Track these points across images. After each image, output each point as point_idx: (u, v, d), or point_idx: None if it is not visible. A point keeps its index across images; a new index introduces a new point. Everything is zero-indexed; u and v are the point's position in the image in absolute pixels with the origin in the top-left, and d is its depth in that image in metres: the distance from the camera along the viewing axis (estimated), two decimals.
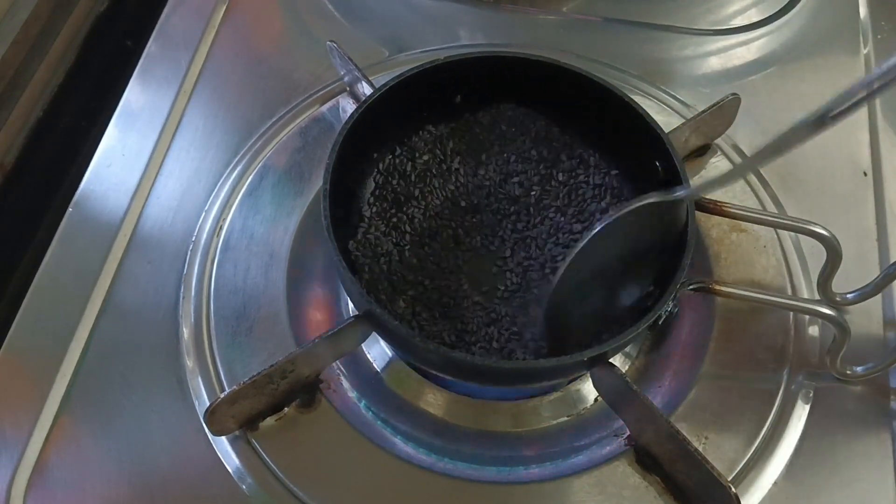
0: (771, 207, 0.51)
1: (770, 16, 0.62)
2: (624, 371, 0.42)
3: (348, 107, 0.55)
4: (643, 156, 0.45)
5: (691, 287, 0.42)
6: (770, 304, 0.43)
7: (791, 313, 0.47)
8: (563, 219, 0.47)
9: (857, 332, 0.44)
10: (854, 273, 0.47)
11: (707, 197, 0.45)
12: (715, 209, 0.45)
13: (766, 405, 0.44)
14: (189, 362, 0.45)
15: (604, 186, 0.48)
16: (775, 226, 0.47)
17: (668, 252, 0.43)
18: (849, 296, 0.46)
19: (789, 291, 0.48)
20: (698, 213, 0.44)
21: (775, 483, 0.42)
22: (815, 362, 0.45)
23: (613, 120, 0.47)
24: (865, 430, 0.43)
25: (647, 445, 0.42)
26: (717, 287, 0.43)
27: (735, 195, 0.52)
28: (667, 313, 0.42)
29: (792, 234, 0.50)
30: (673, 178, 0.43)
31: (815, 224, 0.43)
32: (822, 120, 0.32)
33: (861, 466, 0.43)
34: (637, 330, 0.38)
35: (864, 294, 0.46)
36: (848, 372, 0.44)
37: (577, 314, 0.43)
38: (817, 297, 0.47)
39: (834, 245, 0.43)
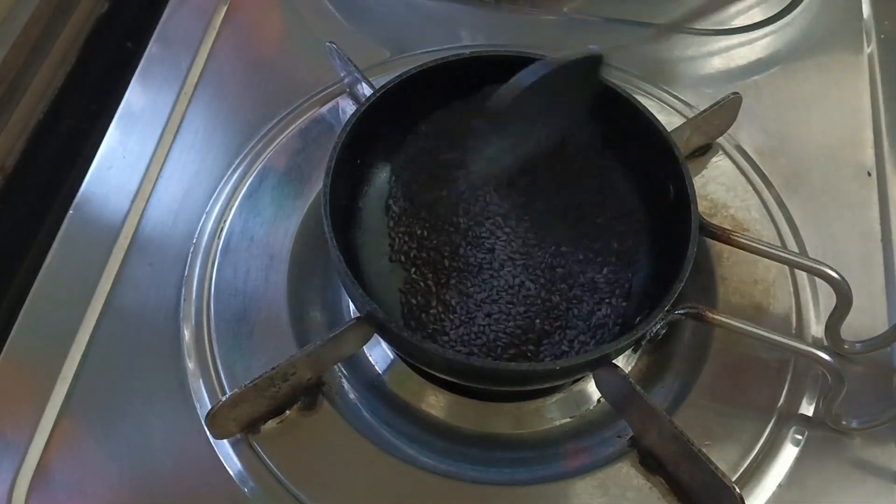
0: (774, 209, 0.51)
1: (773, 15, 0.62)
2: (626, 372, 0.41)
3: (348, 108, 0.55)
4: (653, 164, 0.45)
5: (681, 312, 0.41)
6: (766, 340, 0.41)
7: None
8: (568, 219, 0.47)
9: (862, 380, 0.43)
10: (858, 275, 0.47)
11: (715, 223, 0.44)
12: (723, 237, 0.44)
13: (769, 405, 0.44)
14: (190, 365, 0.45)
15: (612, 185, 0.48)
16: (786, 263, 0.45)
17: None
18: (857, 345, 0.45)
19: (794, 324, 0.47)
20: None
21: (780, 485, 0.42)
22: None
23: (622, 125, 0.46)
24: (871, 429, 0.43)
25: (651, 446, 0.41)
26: (711, 315, 0.41)
27: (738, 195, 0.52)
28: (651, 335, 0.42)
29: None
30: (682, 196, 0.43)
31: (828, 267, 0.42)
32: None
33: (867, 464, 0.42)
34: (635, 335, 0.38)
35: (873, 346, 0.45)
36: (843, 423, 0.42)
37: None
38: (823, 337, 0.46)
39: (845, 290, 0.42)
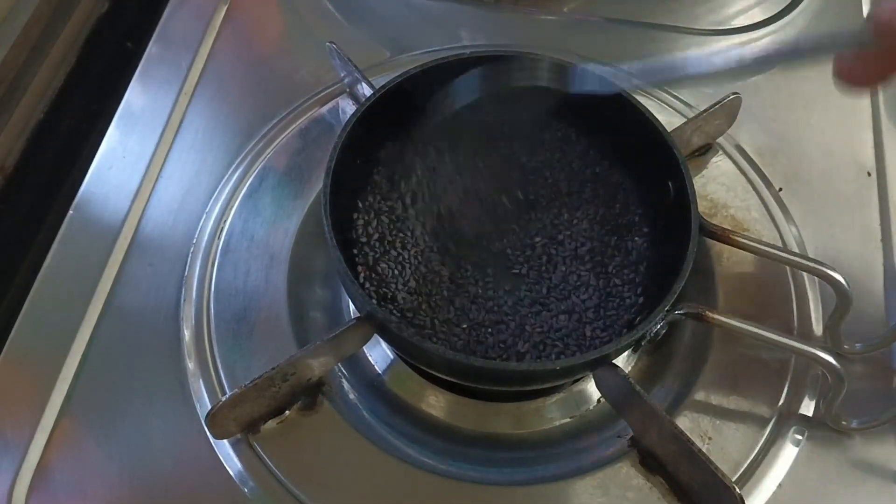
0: (774, 209, 0.51)
1: (772, 16, 0.62)
2: (626, 371, 0.41)
3: (348, 108, 0.55)
4: (653, 164, 0.45)
5: (681, 312, 0.41)
6: (766, 340, 0.41)
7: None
8: (568, 219, 0.47)
9: (862, 380, 0.44)
10: (858, 276, 0.47)
11: (715, 223, 0.44)
12: (723, 237, 0.44)
13: (769, 405, 0.44)
14: (190, 365, 0.45)
15: (611, 184, 0.48)
16: (786, 263, 0.45)
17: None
18: (857, 345, 0.45)
19: (794, 324, 0.47)
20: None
21: (780, 485, 0.42)
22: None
23: (623, 125, 0.46)
24: (871, 429, 0.43)
25: (651, 446, 0.41)
26: (711, 315, 0.41)
27: (737, 195, 0.52)
28: (651, 335, 0.42)
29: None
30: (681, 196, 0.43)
31: (828, 267, 0.42)
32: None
33: (867, 464, 0.42)
34: (635, 335, 0.38)
35: (873, 346, 0.45)
36: (843, 423, 0.42)
37: None
38: (823, 337, 0.46)
39: (845, 290, 0.42)
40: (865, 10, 0.62)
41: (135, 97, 0.56)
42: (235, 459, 0.42)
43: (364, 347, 0.45)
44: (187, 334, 0.46)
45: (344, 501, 0.41)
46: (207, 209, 0.51)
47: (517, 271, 0.45)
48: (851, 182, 0.53)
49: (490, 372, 0.39)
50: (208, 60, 0.58)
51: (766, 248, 0.44)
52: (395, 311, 0.43)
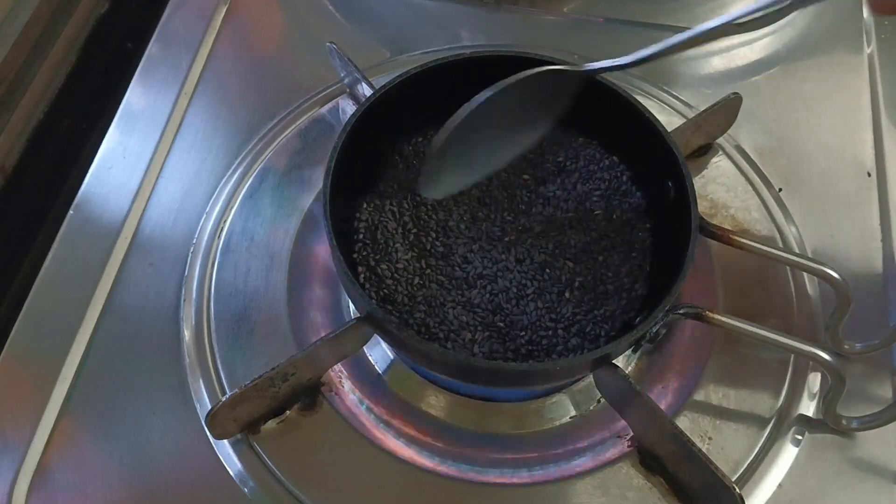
0: (774, 209, 0.51)
1: None
2: (626, 372, 0.41)
3: (348, 108, 0.55)
4: (653, 164, 0.45)
5: (681, 312, 0.41)
6: (766, 340, 0.41)
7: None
8: (567, 221, 0.47)
9: (862, 380, 0.44)
10: (858, 276, 0.47)
11: (715, 223, 0.44)
12: (723, 237, 0.44)
13: (769, 405, 0.44)
14: (190, 365, 0.45)
15: (612, 185, 0.48)
16: (786, 263, 0.45)
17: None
18: (857, 345, 0.45)
19: (794, 324, 0.47)
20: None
21: (780, 485, 0.42)
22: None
23: (622, 125, 0.46)
24: (871, 429, 0.43)
25: (651, 447, 0.41)
26: (711, 315, 0.41)
27: (737, 195, 0.52)
28: (651, 335, 0.41)
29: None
30: (681, 192, 0.43)
31: (828, 267, 0.42)
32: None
33: (867, 464, 0.42)
34: (635, 335, 0.38)
35: (873, 346, 0.45)
36: (843, 423, 0.42)
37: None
38: (823, 337, 0.46)
39: (845, 291, 0.42)
40: (865, 10, 0.62)
41: (135, 97, 0.56)
42: (235, 459, 0.42)
43: (364, 347, 0.45)
44: (187, 334, 0.46)
45: (344, 501, 0.41)
46: (207, 209, 0.51)
47: (518, 272, 0.45)
48: (851, 182, 0.53)
49: (490, 372, 0.39)
50: (208, 60, 0.58)
51: (767, 249, 0.44)
52: (394, 312, 0.43)
